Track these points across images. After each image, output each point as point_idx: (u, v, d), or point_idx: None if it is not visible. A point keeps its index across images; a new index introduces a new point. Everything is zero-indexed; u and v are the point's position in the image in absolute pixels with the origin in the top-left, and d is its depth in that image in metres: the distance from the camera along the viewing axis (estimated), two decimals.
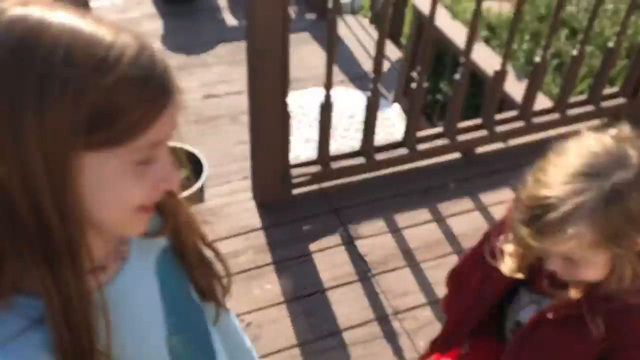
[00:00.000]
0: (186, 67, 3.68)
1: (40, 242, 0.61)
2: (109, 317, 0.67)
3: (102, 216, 0.65)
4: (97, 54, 0.58)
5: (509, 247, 1.19)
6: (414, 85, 2.49)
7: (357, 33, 4.33)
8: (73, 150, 0.58)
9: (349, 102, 3.56)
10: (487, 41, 3.54)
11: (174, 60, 3.62)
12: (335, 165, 2.53)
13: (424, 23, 3.44)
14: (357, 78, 3.88)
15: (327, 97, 2.32)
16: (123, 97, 0.59)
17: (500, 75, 2.59)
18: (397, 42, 4.41)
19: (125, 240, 0.77)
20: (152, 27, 4.06)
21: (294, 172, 2.49)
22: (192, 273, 0.86)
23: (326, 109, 2.35)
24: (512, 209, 1.08)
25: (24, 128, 0.56)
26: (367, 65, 4.11)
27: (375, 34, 4.43)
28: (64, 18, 0.59)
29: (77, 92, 0.57)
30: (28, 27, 0.57)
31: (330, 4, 2.09)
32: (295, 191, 2.54)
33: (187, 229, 0.83)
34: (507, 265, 1.20)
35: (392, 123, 3.45)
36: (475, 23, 2.39)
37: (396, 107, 3.62)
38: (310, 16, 4.36)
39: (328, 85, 2.29)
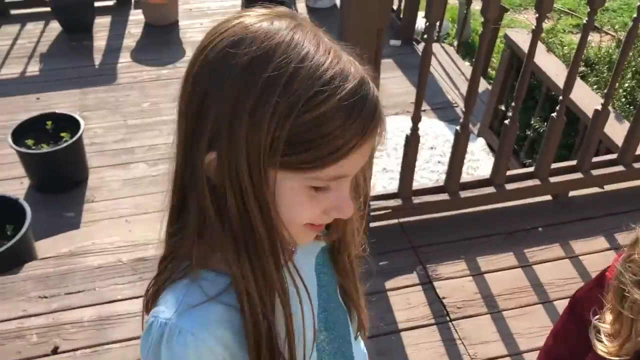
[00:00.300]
0: None
1: (243, 234, 0.66)
2: (289, 309, 0.72)
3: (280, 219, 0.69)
4: (315, 85, 0.61)
5: (606, 327, 1.05)
6: (506, 122, 2.36)
7: (442, 61, 4.23)
8: (267, 165, 0.63)
9: (431, 133, 3.45)
10: (583, 77, 3.35)
11: None
12: (417, 200, 2.43)
13: (517, 56, 3.30)
14: (440, 108, 3.78)
15: (415, 129, 2.23)
16: (321, 130, 0.62)
17: (601, 115, 2.42)
18: (484, 74, 4.28)
19: None
20: None
21: (373, 204, 2.41)
22: (341, 278, 0.89)
23: (413, 142, 2.26)
24: (618, 271, 0.98)
25: (237, 131, 0.62)
26: (451, 94, 4.00)
27: (461, 62, 4.32)
28: (300, 42, 0.63)
29: (284, 117, 0.61)
30: (266, 47, 0.62)
31: (423, 34, 2.02)
32: (373, 224, 2.45)
33: (350, 241, 0.86)
34: (606, 347, 1.06)
35: (475, 158, 3.31)
36: (577, 60, 2.25)
37: (481, 141, 3.47)
38: (395, 42, 4.30)
39: (416, 118, 2.21)
